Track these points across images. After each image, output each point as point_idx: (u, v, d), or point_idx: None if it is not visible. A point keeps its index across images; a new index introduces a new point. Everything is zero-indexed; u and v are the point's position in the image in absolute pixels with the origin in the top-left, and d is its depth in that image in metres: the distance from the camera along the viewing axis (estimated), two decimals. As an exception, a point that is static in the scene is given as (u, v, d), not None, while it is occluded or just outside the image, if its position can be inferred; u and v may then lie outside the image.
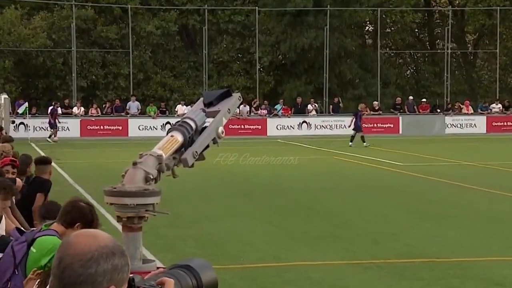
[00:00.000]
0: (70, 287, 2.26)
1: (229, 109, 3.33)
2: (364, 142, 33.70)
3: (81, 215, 5.23)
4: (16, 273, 5.26)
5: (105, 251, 2.27)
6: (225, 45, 48.33)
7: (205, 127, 3.22)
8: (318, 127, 43.27)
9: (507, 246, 13.00)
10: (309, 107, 44.45)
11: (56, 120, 39.21)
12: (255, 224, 15.14)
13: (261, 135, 41.56)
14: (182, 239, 13.66)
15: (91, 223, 5.06)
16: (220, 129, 3.24)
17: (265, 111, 42.68)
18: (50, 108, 40.07)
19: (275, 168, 25.55)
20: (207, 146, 3.22)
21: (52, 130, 39.20)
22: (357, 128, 34.73)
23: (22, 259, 5.11)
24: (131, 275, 2.40)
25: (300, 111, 44.26)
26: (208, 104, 3.29)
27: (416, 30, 55.61)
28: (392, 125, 43.88)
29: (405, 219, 15.92)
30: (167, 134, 3.09)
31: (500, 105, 45.36)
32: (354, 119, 35.22)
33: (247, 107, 43.24)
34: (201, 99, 3.31)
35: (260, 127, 42.28)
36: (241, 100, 3.48)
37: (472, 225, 15.03)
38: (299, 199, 18.66)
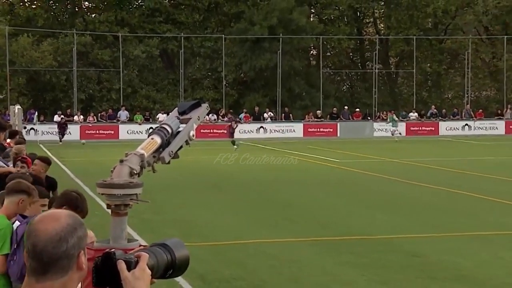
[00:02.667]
0: (50, 265, 2.24)
1: (199, 116, 3.32)
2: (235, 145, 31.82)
3: (67, 201, 5.26)
4: (17, 247, 5.30)
5: (69, 229, 2.26)
6: (197, 66, 48.21)
7: (179, 131, 3.20)
8: (273, 131, 43.28)
9: (422, 225, 13.08)
10: (265, 115, 44.56)
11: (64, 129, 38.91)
12: (223, 211, 15.07)
13: (225, 138, 41.41)
14: (162, 223, 13.55)
15: (75, 208, 4.98)
16: (192, 133, 3.23)
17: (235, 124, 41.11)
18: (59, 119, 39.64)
19: (241, 165, 25.49)
20: (181, 147, 3.22)
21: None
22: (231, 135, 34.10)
23: (23, 236, 5.06)
24: (113, 250, 2.37)
25: (258, 118, 44.38)
26: (181, 113, 3.28)
27: (351, 54, 55.88)
28: (331, 130, 44.03)
29: (344, 205, 15.96)
30: (148, 137, 3.07)
31: (416, 114, 45.76)
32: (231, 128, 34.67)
33: (215, 116, 43.15)
34: (176, 108, 3.30)
35: (226, 131, 42.14)
36: (209, 109, 3.47)
37: (397, 210, 15.11)
38: (259, 190, 18.62)
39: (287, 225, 13.24)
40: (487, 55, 52.32)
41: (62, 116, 40.15)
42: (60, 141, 37.97)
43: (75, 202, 5.27)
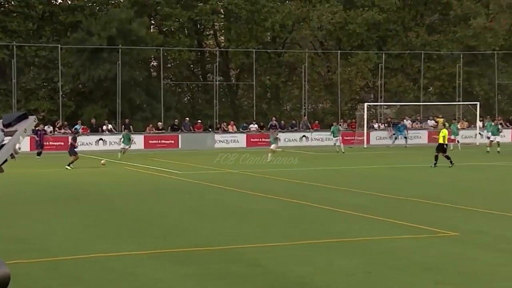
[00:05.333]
0: None
1: (25, 129, 3.15)
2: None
3: None
4: None
5: None
6: (32, 75, 46.42)
7: (4, 144, 3.02)
8: (113, 143, 42.46)
9: (265, 235, 13.28)
10: (104, 127, 43.68)
11: None
12: (62, 225, 14.52)
13: (64, 150, 40.09)
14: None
15: None
16: (17, 145, 3.05)
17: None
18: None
19: (80, 177, 24.74)
20: (6, 160, 3.03)
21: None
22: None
23: None
24: None
25: (96, 130, 43.46)
26: (6, 125, 3.10)
27: (192, 66, 56.11)
28: (173, 141, 43.94)
29: (186, 216, 15.91)
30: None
31: (256, 125, 46.72)
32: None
33: (51, 127, 41.61)
34: (1, 121, 3.12)
35: (63, 143, 40.75)
36: (37, 121, 3.31)
37: (240, 220, 15.26)
38: (100, 203, 18.16)
39: (128, 237, 12.99)
40: (322, 69, 54.51)
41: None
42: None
43: None
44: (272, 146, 34.89)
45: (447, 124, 37.08)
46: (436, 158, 28.74)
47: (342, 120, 48.65)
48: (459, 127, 47.19)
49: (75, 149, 29.21)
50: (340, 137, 40.66)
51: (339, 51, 51.85)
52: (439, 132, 30.16)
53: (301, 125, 47.76)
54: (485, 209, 16.44)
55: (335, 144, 39.98)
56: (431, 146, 43.81)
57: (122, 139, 35.48)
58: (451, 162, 28.41)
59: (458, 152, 38.52)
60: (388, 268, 10.37)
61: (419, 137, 46.58)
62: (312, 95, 53.21)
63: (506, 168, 28.74)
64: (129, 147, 35.48)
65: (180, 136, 44.09)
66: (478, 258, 11.09)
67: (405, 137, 45.21)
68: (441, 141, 29.36)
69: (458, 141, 41.06)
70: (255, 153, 39.63)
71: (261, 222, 14.81)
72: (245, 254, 11.49)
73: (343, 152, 38.06)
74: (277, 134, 38.56)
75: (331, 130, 41.12)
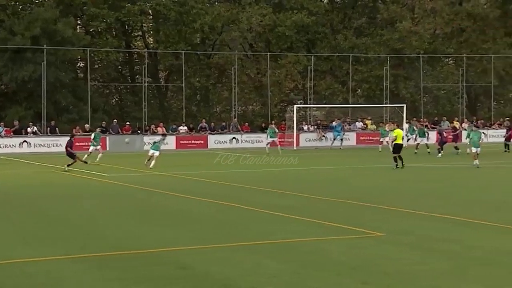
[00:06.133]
0: None
1: None
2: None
3: None
4: None
5: None
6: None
7: None
8: (37, 145, 41.54)
9: (191, 237, 13.20)
10: (29, 129, 42.67)
11: None
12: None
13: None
14: None
15: None
16: None
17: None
18: None
19: (1, 178, 24.09)
20: None
21: None
22: None
23: None
24: None
25: (19, 132, 42.45)
26: None
27: (120, 67, 55.47)
28: (100, 143, 43.18)
29: (113, 219, 15.68)
30: None
31: (186, 127, 46.51)
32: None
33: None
34: None
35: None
36: None
37: (166, 222, 15.13)
38: (26, 206, 17.71)
39: (52, 242, 12.70)
40: (252, 71, 54.76)
41: None
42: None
43: None
44: (386, 139, 40.35)
45: (392, 126, 37.98)
46: (396, 159, 29.01)
47: (272, 122, 48.94)
48: (387, 129, 48.17)
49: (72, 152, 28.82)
50: (277, 139, 40.92)
51: (268, 53, 52.18)
52: (397, 133, 30.14)
53: (231, 127, 47.83)
54: (411, 209, 16.79)
55: (267, 145, 39.99)
56: (360, 148, 44.63)
57: (94, 138, 33.87)
58: (402, 164, 28.74)
59: (389, 153, 39.23)
60: (315, 269, 10.45)
61: (348, 139, 47.24)
62: (242, 97, 53.37)
63: (432, 169, 29.46)
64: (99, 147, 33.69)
65: (108, 138, 43.47)
66: (403, 258, 11.31)
67: (341, 139, 45.74)
68: (398, 141, 29.52)
69: (387, 142, 41.87)
70: (184, 155, 39.49)
71: (189, 225, 14.72)
72: (172, 257, 11.40)
73: (280, 154, 38.02)
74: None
75: (267, 131, 41.19)
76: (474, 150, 29.77)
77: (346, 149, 44.39)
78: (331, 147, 44.68)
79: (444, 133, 38.91)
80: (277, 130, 42.99)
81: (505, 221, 14.85)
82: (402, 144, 29.82)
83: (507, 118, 46.52)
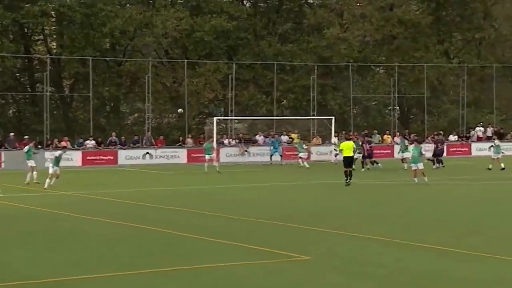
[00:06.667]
0: None
1: None
2: None
3: None
4: None
5: None
6: None
7: None
8: None
9: (103, 264, 13.18)
10: None
11: None
12: None
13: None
14: None
15: None
16: None
17: None
18: None
19: None
20: None
21: None
22: None
23: None
24: None
25: None
26: None
27: (17, 74, 54.46)
28: (-4, 160, 42.41)
29: (10, 246, 15.46)
30: None
31: (93, 141, 46.04)
32: None
33: None
34: None
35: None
36: None
37: (72, 248, 14.99)
38: None
39: None
40: (167, 80, 54.71)
41: None
42: None
43: None
44: (301, 154, 42.00)
45: (336, 140, 38.68)
46: (347, 173, 29.43)
47: (190, 135, 49.01)
48: (314, 142, 48.98)
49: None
50: (214, 155, 40.67)
51: (185, 61, 52.30)
52: (343, 146, 30.57)
53: (144, 141, 47.65)
54: (337, 229, 17.19)
55: (207, 161, 39.36)
56: (285, 164, 45.12)
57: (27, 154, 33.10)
58: (349, 180, 29.23)
59: (304, 169, 40.03)
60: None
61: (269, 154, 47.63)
62: (156, 108, 53.22)
63: (364, 186, 30.06)
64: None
65: (3, 153, 42.63)
66: (330, 283, 11.65)
67: (280, 155, 46.14)
68: (349, 153, 29.82)
69: (301, 159, 42.72)
70: (90, 172, 39.09)
71: (98, 250, 14.72)
72: (78, 286, 11.41)
73: (218, 171, 37.93)
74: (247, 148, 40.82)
75: (203, 147, 40.81)
76: (414, 166, 30.27)
77: (268, 165, 44.78)
78: (271, 162, 45.01)
79: (367, 146, 39.95)
80: (215, 146, 42.78)
81: (435, 241, 15.43)
82: (351, 157, 30.12)
83: (440, 132, 48.06)
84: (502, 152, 40.34)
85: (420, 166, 30.03)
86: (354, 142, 33.63)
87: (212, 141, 43.47)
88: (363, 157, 39.50)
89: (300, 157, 42.91)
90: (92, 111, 49.23)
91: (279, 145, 46.89)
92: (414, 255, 14.03)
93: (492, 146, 41.06)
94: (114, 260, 13.57)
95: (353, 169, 30.80)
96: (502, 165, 37.39)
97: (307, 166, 41.22)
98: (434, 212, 21.29)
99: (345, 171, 29.77)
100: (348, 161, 30.04)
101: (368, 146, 40.38)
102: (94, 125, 49.19)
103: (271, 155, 46.30)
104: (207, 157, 39.42)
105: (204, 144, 41.25)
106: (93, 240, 16.03)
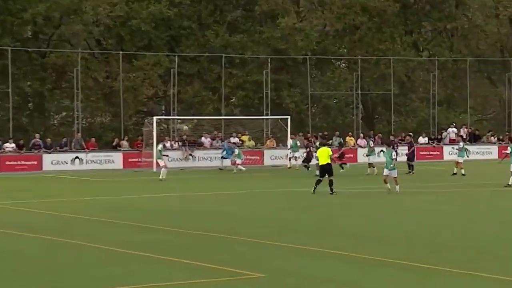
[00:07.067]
0: None
1: None
2: None
3: None
4: None
5: None
6: None
7: None
8: None
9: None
10: None
11: None
12: None
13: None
14: None
15: None
16: None
17: None
18: None
19: None
20: None
21: None
22: None
23: None
24: None
25: None
26: None
27: None
28: None
29: None
30: None
31: (13, 144, 45.30)
32: None
33: None
34: None
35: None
36: None
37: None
38: None
39: None
40: (100, 74, 54.10)
41: None
42: None
43: None
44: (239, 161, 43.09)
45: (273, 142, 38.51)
46: (318, 182, 29.13)
47: (126, 137, 48.46)
48: (268, 145, 48.88)
49: None
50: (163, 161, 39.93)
51: (121, 52, 51.78)
52: (319, 153, 30.32)
53: (73, 144, 47.06)
54: (292, 243, 17.02)
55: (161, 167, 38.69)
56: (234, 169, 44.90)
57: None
58: (314, 188, 28.99)
59: (242, 175, 40.05)
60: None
61: (218, 158, 47.35)
62: (88, 107, 52.67)
63: (325, 195, 29.89)
64: None
65: None
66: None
67: (241, 159, 45.70)
68: (325, 161, 29.39)
69: (237, 164, 42.96)
70: (10, 179, 38.47)
71: (14, 270, 14.34)
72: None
73: (161, 179, 37.30)
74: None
75: (158, 149, 40.18)
76: (386, 172, 29.95)
77: (216, 171, 44.61)
78: (235, 171, 44.13)
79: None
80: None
81: (397, 256, 15.36)
82: (327, 164, 29.55)
83: (410, 133, 48.23)
84: (467, 156, 40.65)
85: (393, 173, 29.78)
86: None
87: (165, 144, 43.67)
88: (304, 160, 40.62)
89: (236, 162, 43.25)
90: (12, 109, 48.53)
91: (233, 150, 45.90)
92: (382, 272, 13.85)
93: (457, 148, 40.93)
94: (28, 281, 13.11)
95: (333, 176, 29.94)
96: (463, 172, 37.73)
97: (243, 169, 42.42)
98: (401, 225, 21.24)
99: (318, 180, 29.35)
100: (324, 170, 29.58)
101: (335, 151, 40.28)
102: (14, 126, 48.55)
103: (223, 157, 45.93)
104: (160, 161, 39.11)
105: (159, 146, 40.74)
106: (6, 258, 15.55)
